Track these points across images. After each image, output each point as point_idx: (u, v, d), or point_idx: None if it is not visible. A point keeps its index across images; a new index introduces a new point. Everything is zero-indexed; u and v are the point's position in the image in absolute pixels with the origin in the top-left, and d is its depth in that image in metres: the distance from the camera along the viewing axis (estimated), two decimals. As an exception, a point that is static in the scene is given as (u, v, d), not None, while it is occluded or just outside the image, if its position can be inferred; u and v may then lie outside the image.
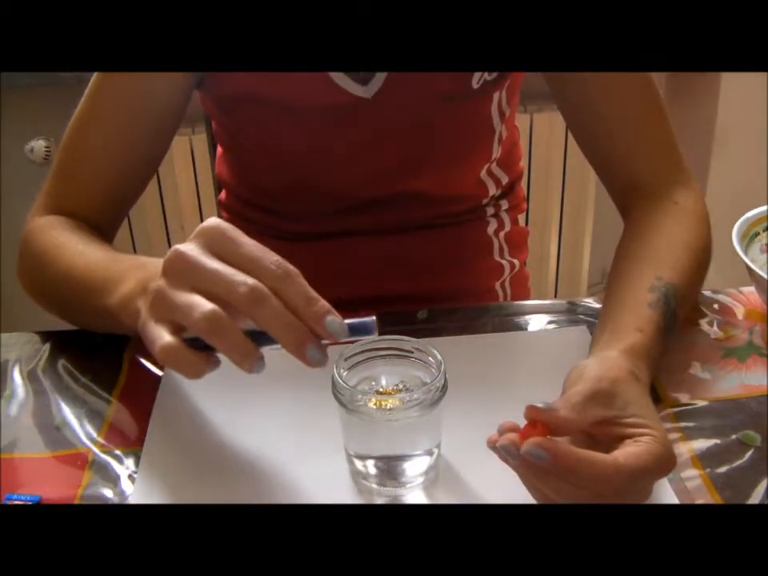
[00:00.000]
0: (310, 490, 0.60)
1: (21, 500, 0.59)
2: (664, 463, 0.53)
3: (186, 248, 0.54)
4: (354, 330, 0.54)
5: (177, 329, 0.54)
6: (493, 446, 0.53)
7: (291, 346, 0.52)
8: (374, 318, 0.54)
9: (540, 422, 0.53)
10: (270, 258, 0.53)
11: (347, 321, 0.53)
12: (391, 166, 0.84)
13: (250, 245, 0.54)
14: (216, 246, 0.54)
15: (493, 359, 0.72)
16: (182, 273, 0.54)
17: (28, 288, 0.78)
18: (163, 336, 0.53)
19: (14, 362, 0.73)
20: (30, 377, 0.72)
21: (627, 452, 0.53)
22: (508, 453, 0.52)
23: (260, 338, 0.52)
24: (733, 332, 0.74)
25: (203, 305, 0.52)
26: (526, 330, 0.77)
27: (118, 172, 0.79)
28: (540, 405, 0.54)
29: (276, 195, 0.90)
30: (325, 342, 0.53)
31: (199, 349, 0.53)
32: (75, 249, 0.72)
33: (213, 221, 0.55)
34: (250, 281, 0.52)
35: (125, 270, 0.64)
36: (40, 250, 0.75)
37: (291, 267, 0.53)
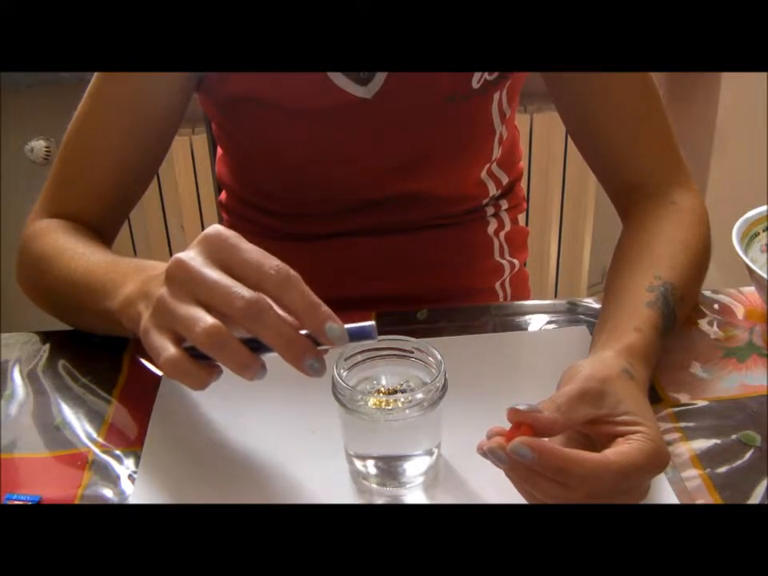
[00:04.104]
0: (310, 490, 0.60)
1: (21, 500, 0.59)
2: (656, 460, 0.53)
3: (188, 256, 0.54)
4: (353, 335, 0.54)
5: (179, 338, 0.54)
6: (482, 451, 0.53)
7: (290, 359, 0.52)
8: (373, 323, 0.54)
9: (524, 423, 0.53)
10: (270, 263, 0.53)
11: (346, 326, 0.53)
12: (391, 166, 0.84)
13: (251, 250, 0.54)
14: (217, 253, 0.54)
15: (493, 359, 0.72)
16: (183, 282, 0.54)
17: (28, 291, 0.78)
18: (167, 348, 0.53)
19: (14, 362, 0.74)
20: (30, 377, 0.72)
21: (617, 450, 0.53)
22: (495, 456, 0.52)
23: (260, 345, 0.52)
24: (733, 332, 0.74)
25: (204, 319, 0.52)
26: (526, 330, 0.76)
27: (118, 174, 0.79)
28: (522, 406, 0.54)
29: (276, 196, 0.90)
30: (323, 347, 0.53)
31: (200, 357, 0.53)
32: (75, 252, 0.72)
33: (214, 228, 0.55)
34: (247, 294, 0.52)
35: (125, 273, 0.65)
36: (40, 253, 0.75)
37: (292, 272, 0.53)
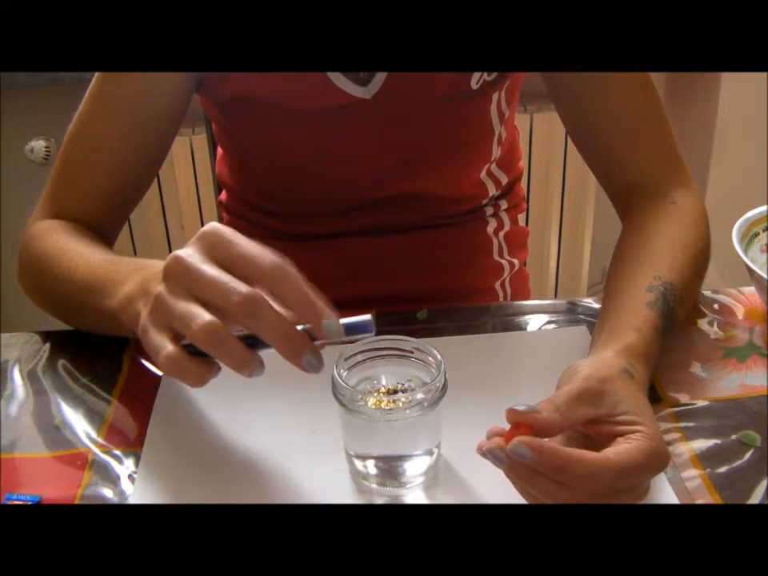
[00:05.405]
0: (310, 490, 0.60)
1: (21, 500, 0.59)
2: (655, 460, 0.53)
3: (185, 253, 0.54)
4: (351, 330, 0.54)
5: (177, 336, 0.54)
6: (481, 451, 0.53)
7: (287, 355, 0.52)
8: (371, 316, 0.54)
9: (523, 424, 0.53)
10: (266, 257, 0.53)
11: (344, 320, 0.53)
12: (391, 166, 0.84)
13: (248, 246, 0.54)
14: (215, 250, 0.54)
15: (493, 359, 0.72)
16: (181, 279, 0.54)
17: (29, 291, 0.78)
18: (166, 346, 0.53)
19: (14, 362, 0.73)
20: (30, 377, 0.72)
21: (617, 449, 0.53)
22: (494, 456, 0.52)
23: (258, 341, 0.53)
24: (733, 332, 0.74)
25: (201, 316, 0.52)
26: (526, 330, 0.77)
27: (119, 175, 0.79)
28: (521, 407, 0.54)
29: (276, 196, 0.90)
30: (320, 342, 0.53)
31: (199, 354, 0.53)
32: (76, 252, 0.72)
33: (212, 225, 0.56)
34: (245, 290, 0.52)
35: (125, 272, 0.65)
36: (41, 253, 0.75)
37: (288, 267, 0.53)
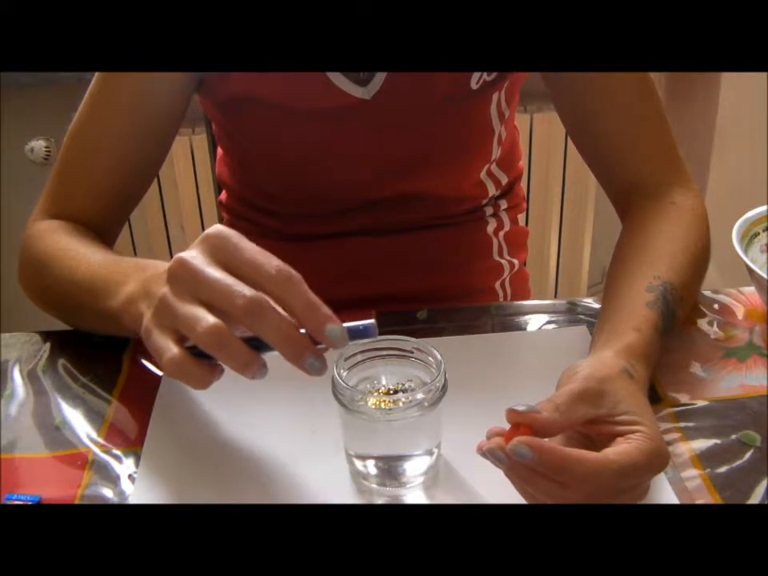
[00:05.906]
0: (310, 490, 0.60)
1: (21, 500, 0.59)
2: (655, 460, 0.53)
3: (189, 256, 0.54)
4: (354, 334, 0.54)
5: (181, 338, 0.54)
6: (481, 451, 0.53)
7: (290, 357, 0.52)
8: (374, 321, 0.54)
9: (523, 424, 0.53)
10: (271, 263, 0.53)
11: (346, 325, 0.53)
12: (390, 167, 0.84)
13: (253, 250, 0.54)
14: (219, 252, 0.54)
15: (493, 359, 0.72)
16: (185, 282, 0.54)
17: (29, 292, 0.78)
18: (170, 348, 0.53)
19: (14, 362, 0.73)
20: (30, 377, 0.72)
21: (617, 449, 0.53)
22: (494, 456, 0.52)
23: (261, 343, 0.53)
24: (733, 332, 0.74)
25: (205, 319, 0.52)
26: (526, 330, 0.77)
27: (119, 175, 0.79)
28: (520, 407, 0.54)
29: (276, 196, 0.90)
30: (323, 346, 0.53)
31: (202, 356, 0.53)
32: (77, 252, 0.72)
33: (216, 227, 0.56)
34: (248, 292, 0.52)
35: (126, 272, 0.65)
36: (41, 254, 0.75)
37: (293, 272, 0.53)
